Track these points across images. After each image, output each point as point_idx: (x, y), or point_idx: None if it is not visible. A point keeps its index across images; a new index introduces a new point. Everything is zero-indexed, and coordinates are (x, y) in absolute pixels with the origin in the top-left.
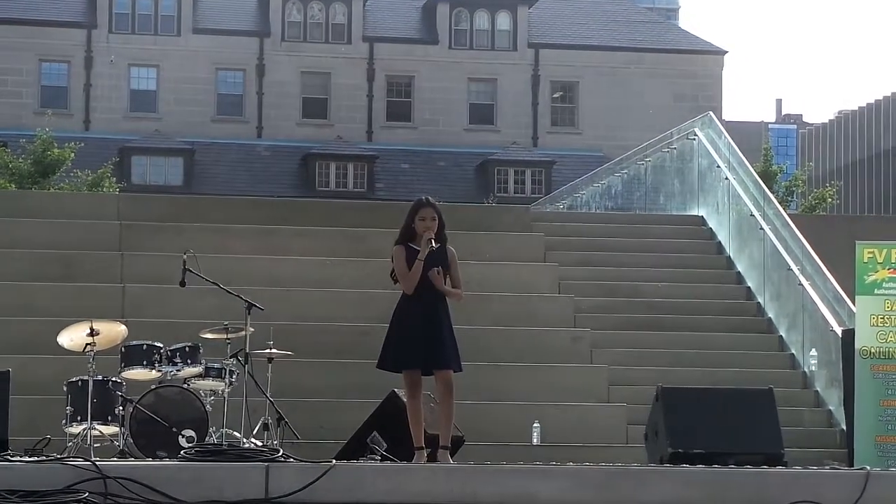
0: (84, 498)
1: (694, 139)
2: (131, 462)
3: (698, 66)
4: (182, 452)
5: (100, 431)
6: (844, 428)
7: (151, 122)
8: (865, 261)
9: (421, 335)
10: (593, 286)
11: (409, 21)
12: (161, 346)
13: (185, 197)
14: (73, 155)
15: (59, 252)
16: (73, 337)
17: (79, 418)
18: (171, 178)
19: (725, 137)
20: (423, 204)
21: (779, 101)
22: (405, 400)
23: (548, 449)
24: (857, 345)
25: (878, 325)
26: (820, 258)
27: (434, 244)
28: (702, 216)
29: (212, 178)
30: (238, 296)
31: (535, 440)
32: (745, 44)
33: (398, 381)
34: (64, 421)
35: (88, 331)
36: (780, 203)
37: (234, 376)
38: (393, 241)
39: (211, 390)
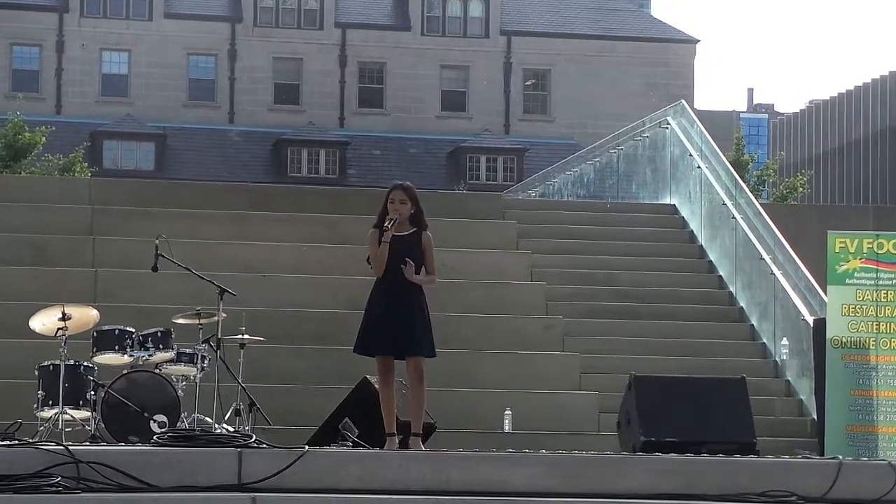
0: (56, 482)
1: (666, 128)
2: (104, 447)
3: (670, 54)
4: (155, 437)
5: (71, 416)
6: (815, 417)
7: (123, 107)
8: (837, 250)
9: (389, 320)
10: (565, 274)
11: (382, 7)
12: (133, 330)
13: (157, 182)
14: (44, 139)
15: (31, 236)
16: (44, 321)
17: (50, 402)
18: (142, 162)
19: (698, 126)
20: (394, 187)
21: (750, 91)
22: (377, 386)
23: (519, 436)
24: (829, 334)
25: (849, 315)
26: (792, 247)
27: (388, 225)
28: (674, 205)
29: (183, 163)
30: (210, 281)
31: (506, 427)
32: (717, 33)
33: (371, 366)
34: (35, 405)
35: (60, 315)
36: (751, 192)
37: (205, 362)
38: (367, 227)
39: (183, 375)
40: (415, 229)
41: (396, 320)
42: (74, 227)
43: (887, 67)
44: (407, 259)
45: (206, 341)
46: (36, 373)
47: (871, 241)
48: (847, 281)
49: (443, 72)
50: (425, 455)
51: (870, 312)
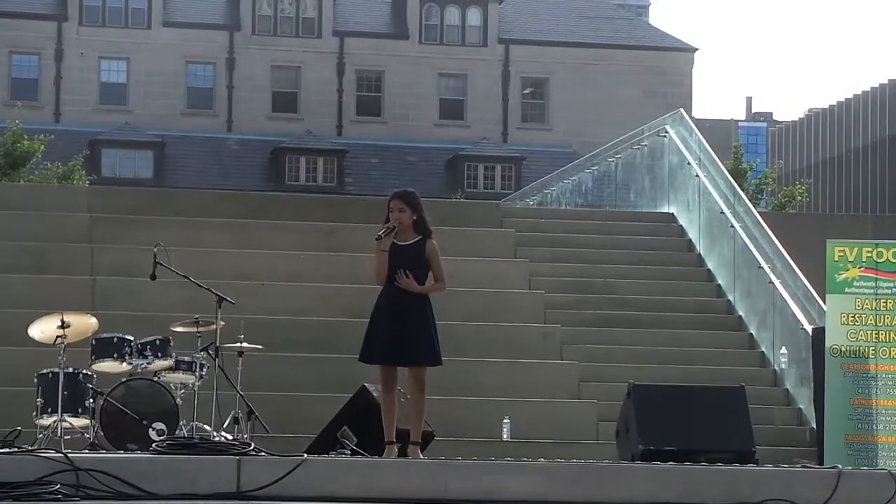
0: (55, 490)
1: (665, 136)
2: (103, 454)
3: (669, 63)
4: (153, 445)
5: (70, 423)
6: (814, 426)
7: (121, 115)
8: (836, 259)
9: (392, 329)
10: (564, 282)
11: (380, 16)
12: (131, 338)
13: (156, 190)
14: (43, 147)
15: (30, 244)
16: (43, 329)
17: (49, 410)
18: (141, 170)
19: (696, 135)
20: (392, 196)
21: (749, 99)
22: (375, 395)
23: (518, 445)
24: (828, 343)
25: (848, 324)
26: (790, 256)
27: (382, 233)
28: (672, 213)
29: (182, 172)
30: (209, 289)
31: (505, 436)
32: (716, 41)
33: (369, 374)
34: (34, 413)
35: (59, 323)
36: (750, 201)
37: (204, 369)
38: (364, 235)
39: (181, 383)
40: (419, 237)
41: (399, 329)
42: (73, 235)
43: (886, 76)
44: (399, 270)
45: (205, 349)
46: (35, 380)
47: (870, 249)
48: (846, 290)
49: (441, 80)
50: (423, 463)
51: (869, 321)
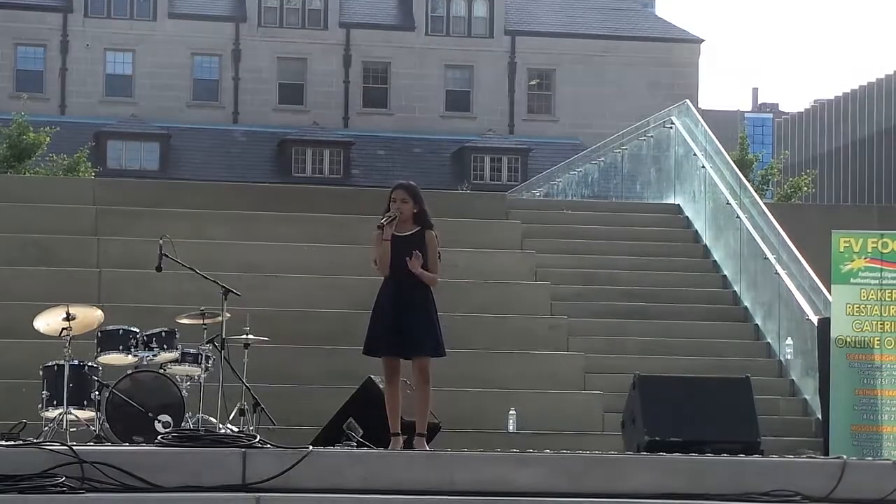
0: (61, 482)
1: (671, 127)
2: (108, 447)
3: (675, 54)
4: (159, 438)
5: (76, 416)
6: (820, 417)
7: (127, 107)
8: (841, 250)
9: (394, 321)
10: (570, 274)
11: (386, 7)
12: (137, 330)
13: (161, 182)
14: (48, 139)
15: (35, 237)
16: (49, 321)
17: (55, 403)
18: (146, 163)
19: (702, 126)
20: (395, 186)
21: (755, 90)
22: (382, 387)
23: (524, 436)
24: (833, 334)
25: (853, 315)
26: (796, 247)
27: (383, 221)
28: (678, 204)
29: (188, 164)
30: (215, 281)
31: (511, 427)
32: (722, 32)
33: (375, 366)
34: (40, 405)
35: (64, 315)
36: (756, 192)
37: (210, 362)
38: (372, 228)
39: (187, 375)
40: (418, 228)
41: (401, 321)
42: (79, 227)
43: (892, 67)
44: (416, 251)
45: (211, 341)
46: (40, 373)
47: (875, 240)
48: (851, 280)
49: (447, 72)
50: (429, 455)
51: (874, 311)
